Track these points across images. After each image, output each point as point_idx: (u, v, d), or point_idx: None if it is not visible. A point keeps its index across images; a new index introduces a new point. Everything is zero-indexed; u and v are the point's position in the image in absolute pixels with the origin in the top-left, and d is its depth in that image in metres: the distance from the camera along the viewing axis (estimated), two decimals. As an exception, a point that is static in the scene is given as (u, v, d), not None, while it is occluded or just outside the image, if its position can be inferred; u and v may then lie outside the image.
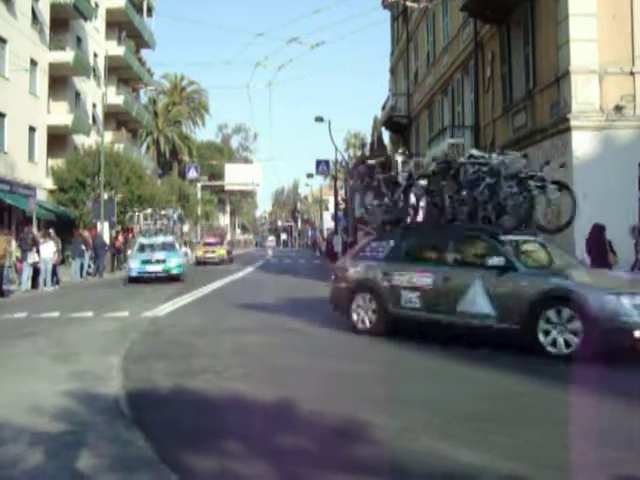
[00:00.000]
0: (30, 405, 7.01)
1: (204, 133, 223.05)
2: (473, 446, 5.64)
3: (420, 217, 12.98)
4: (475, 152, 12.65)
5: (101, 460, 5.32)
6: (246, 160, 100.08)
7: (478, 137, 23.25)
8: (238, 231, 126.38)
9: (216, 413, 7.02)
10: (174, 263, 26.81)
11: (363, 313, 12.37)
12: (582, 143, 16.09)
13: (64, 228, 35.20)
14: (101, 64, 46.57)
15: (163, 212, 35.86)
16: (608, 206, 15.40)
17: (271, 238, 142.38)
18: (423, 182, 12.95)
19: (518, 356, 10.14)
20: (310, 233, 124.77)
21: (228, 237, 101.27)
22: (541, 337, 9.65)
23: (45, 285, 23.07)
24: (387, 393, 7.88)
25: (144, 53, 60.56)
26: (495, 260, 10.37)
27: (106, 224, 34.91)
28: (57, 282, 24.10)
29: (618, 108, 16.28)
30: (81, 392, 7.65)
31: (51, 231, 25.97)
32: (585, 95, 16.23)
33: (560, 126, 16.56)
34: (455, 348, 10.94)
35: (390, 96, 40.54)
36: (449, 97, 27.52)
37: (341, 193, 65.77)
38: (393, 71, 42.87)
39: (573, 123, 16.12)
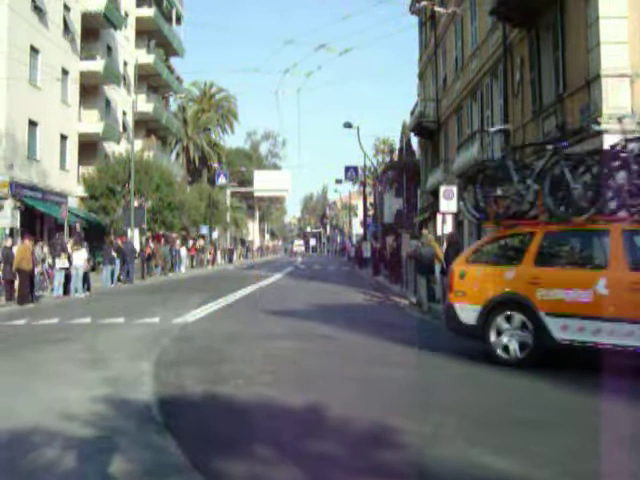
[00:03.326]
0: (62, 410, 7.08)
1: (233, 140, 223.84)
2: (506, 453, 5.60)
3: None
4: None
5: (134, 465, 5.36)
6: (275, 166, 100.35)
7: (508, 142, 23.09)
8: (267, 237, 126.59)
9: (247, 419, 7.03)
10: None
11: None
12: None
13: (95, 235, 35.58)
14: (131, 72, 47.08)
15: None
16: None
17: (299, 242, 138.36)
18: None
19: (551, 363, 10.04)
20: (339, 239, 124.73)
21: (257, 243, 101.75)
22: None
23: (76, 291, 23.29)
24: (418, 399, 7.86)
25: (173, 61, 61.11)
26: None
27: (136, 231, 35.16)
28: (88, 288, 24.31)
29: (650, 111, 16.09)
30: (113, 398, 7.71)
31: (77, 226, 26.07)
32: (616, 99, 16.05)
33: (591, 130, 16.40)
34: (483, 353, 10.87)
35: (419, 101, 40.46)
36: (478, 102, 27.39)
37: (370, 199, 65.78)
38: (421, 76, 42.78)
39: (604, 127, 15.96)
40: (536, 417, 6.97)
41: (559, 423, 6.72)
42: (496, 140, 23.86)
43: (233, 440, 6.13)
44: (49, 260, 23.65)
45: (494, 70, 24.84)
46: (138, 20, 50.96)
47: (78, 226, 26.86)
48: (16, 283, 20.53)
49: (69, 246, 23.76)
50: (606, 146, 15.84)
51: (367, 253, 46.19)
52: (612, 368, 9.03)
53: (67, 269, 23.05)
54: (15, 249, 20.65)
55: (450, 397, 7.96)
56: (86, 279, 24.25)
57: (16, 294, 20.31)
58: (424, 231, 21.78)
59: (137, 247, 33.63)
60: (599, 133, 16.04)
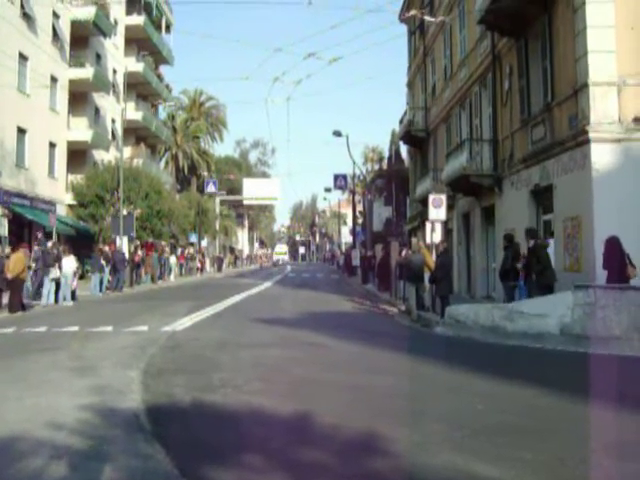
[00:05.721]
0: (50, 419, 7.03)
1: (222, 148, 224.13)
2: (495, 461, 5.61)
3: None
4: None
5: (122, 474, 5.33)
6: (264, 175, 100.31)
7: (496, 150, 23.19)
8: (256, 245, 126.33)
9: (236, 427, 7.01)
10: None
11: None
12: (601, 155, 15.98)
13: (84, 243, 35.44)
14: (120, 80, 46.95)
15: None
16: (628, 218, 15.28)
17: (281, 247, 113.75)
18: None
19: (538, 370, 10.08)
20: (328, 247, 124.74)
21: (246, 252, 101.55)
22: None
23: (65, 300, 23.19)
24: (407, 407, 7.87)
25: (163, 69, 61.09)
26: None
27: (125, 239, 35.05)
28: (74, 297, 24.17)
29: (637, 120, 16.17)
30: (101, 406, 7.67)
31: (49, 243, 26.03)
32: (604, 107, 16.13)
33: (579, 139, 16.46)
34: (474, 362, 10.91)
35: (408, 110, 40.53)
36: (467, 111, 27.47)
37: (359, 207, 65.83)
38: (410, 85, 42.89)
39: (592, 135, 16.01)
40: (524, 424, 6.99)
41: (546, 430, 6.74)
42: (485, 149, 23.94)
43: (222, 448, 6.11)
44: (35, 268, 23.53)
45: (483, 79, 24.94)
46: (127, 28, 50.90)
47: (40, 234, 26.77)
48: (5, 292, 20.43)
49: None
50: (594, 155, 15.98)
51: (356, 261, 46.23)
52: (597, 374, 9.09)
53: (58, 278, 22.97)
54: (12, 257, 20.39)
55: (439, 405, 7.97)
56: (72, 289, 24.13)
57: (5, 302, 20.21)
58: (413, 239, 21.83)
59: (126, 255, 33.47)
60: (587, 142, 16.12)
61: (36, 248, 23.89)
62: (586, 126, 16.06)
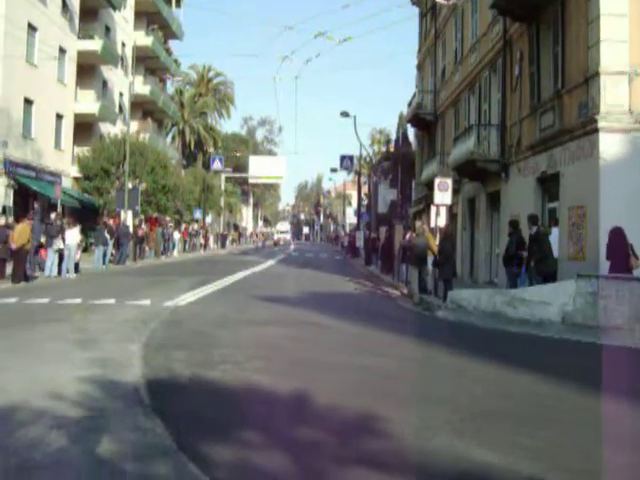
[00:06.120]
0: (50, 390, 7.07)
1: (229, 125, 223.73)
2: (493, 446, 5.62)
3: None
4: None
5: (120, 446, 5.36)
6: (270, 153, 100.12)
7: (504, 136, 23.10)
8: (260, 223, 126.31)
9: (235, 404, 7.04)
10: None
11: None
12: (609, 145, 15.91)
13: (88, 216, 35.48)
14: (129, 54, 46.79)
15: None
16: (634, 210, 15.24)
17: (283, 226, 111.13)
18: None
19: (538, 357, 10.10)
20: (332, 228, 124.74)
21: (250, 230, 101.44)
22: None
23: (68, 272, 23.25)
24: (408, 389, 7.90)
25: (172, 44, 60.80)
26: None
27: (130, 213, 35.08)
28: (77, 269, 24.21)
29: (647, 110, 16.09)
30: (101, 378, 7.70)
31: (52, 215, 26.01)
32: (614, 96, 16.04)
33: (588, 127, 16.38)
34: (475, 347, 10.93)
35: (416, 93, 40.35)
36: (476, 95, 27.33)
37: (364, 189, 65.72)
38: (420, 68, 42.67)
39: (601, 124, 15.93)
40: (522, 410, 7.01)
41: (544, 417, 6.76)
42: (493, 134, 23.85)
43: (220, 424, 6.14)
44: (42, 240, 23.55)
45: (493, 64, 24.79)
46: (137, 1, 50.65)
47: (37, 205, 26.74)
48: (8, 262, 20.48)
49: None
50: (602, 144, 15.91)
51: (360, 243, 46.25)
52: (597, 364, 9.11)
53: (61, 250, 23.00)
54: (17, 228, 20.40)
55: (439, 388, 7.98)
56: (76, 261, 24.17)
57: (9, 273, 20.27)
58: (417, 222, 21.80)
59: (130, 229, 33.51)
60: (595, 131, 16.04)
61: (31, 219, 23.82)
62: (596, 115, 15.97)
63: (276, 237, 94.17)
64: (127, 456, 5.16)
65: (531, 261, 15.72)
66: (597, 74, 16.05)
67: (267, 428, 6.11)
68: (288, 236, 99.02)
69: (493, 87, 25.06)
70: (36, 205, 26.59)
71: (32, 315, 13.41)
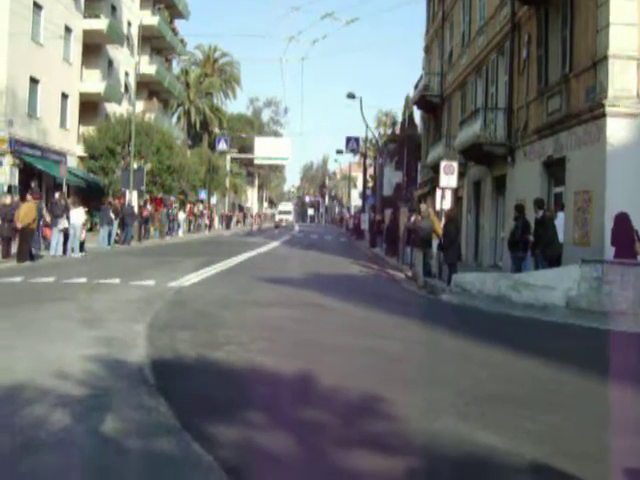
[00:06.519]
0: (56, 368, 7.09)
1: (235, 105, 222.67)
2: (497, 429, 5.64)
3: None
4: None
5: (125, 425, 5.39)
6: (276, 134, 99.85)
7: (511, 120, 23.01)
8: (265, 205, 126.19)
9: (239, 384, 7.07)
10: None
11: None
12: (617, 130, 15.83)
13: (93, 195, 35.50)
14: (135, 33, 46.60)
15: None
16: (640, 195, 15.20)
17: (285, 206, 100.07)
18: None
19: (542, 341, 10.11)
20: (337, 210, 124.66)
21: (255, 211, 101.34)
22: None
23: (73, 251, 23.29)
24: (412, 372, 7.92)
25: (178, 23, 60.49)
26: None
27: (135, 193, 35.09)
28: (82, 249, 24.24)
29: (656, 96, 15.99)
30: (106, 358, 7.73)
31: (56, 194, 26.00)
32: (622, 81, 15.94)
33: (595, 112, 16.30)
34: (479, 331, 10.95)
35: (423, 75, 40.19)
36: (483, 78, 27.20)
37: (370, 171, 65.64)
38: (427, 50, 42.46)
39: (608, 109, 15.85)
40: (525, 394, 7.03)
41: (547, 401, 6.78)
42: (500, 118, 23.75)
43: (224, 404, 6.16)
44: (47, 219, 23.58)
45: (501, 47, 24.64)
46: (144, -20, 50.43)
47: (34, 184, 26.69)
48: (13, 241, 20.53)
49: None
50: (610, 129, 15.83)
51: (365, 225, 46.25)
52: (601, 348, 9.12)
53: (66, 229, 23.04)
54: (22, 206, 20.40)
55: (442, 371, 8.01)
56: (81, 241, 24.19)
57: (14, 252, 20.32)
58: (422, 206, 21.77)
59: (135, 209, 33.51)
60: (603, 115, 15.96)
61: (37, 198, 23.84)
62: (603, 99, 15.89)
63: (278, 218, 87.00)
64: (131, 434, 5.19)
65: (537, 245, 15.70)
66: (605, 58, 15.95)
67: (271, 408, 6.14)
68: (291, 217, 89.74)
69: (500, 70, 24.94)
70: (33, 184, 26.55)
71: (37, 294, 13.45)
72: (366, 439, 5.33)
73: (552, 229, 15.55)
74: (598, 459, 5.08)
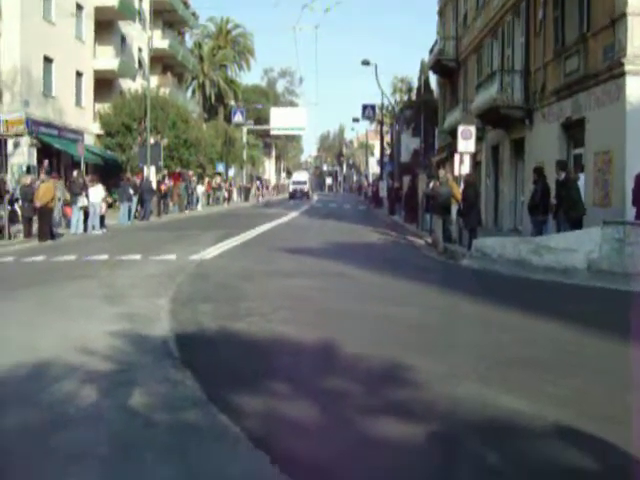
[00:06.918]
0: (81, 345, 7.18)
1: (249, 77, 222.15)
2: (520, 393, 5.66)
3: None
4: None
5: (152, 399, 5.46)
6: (292, 104, 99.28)
7: (528, 82, 22.76)
8: (283, 175, 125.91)
9: (262, 355, 7.12)
10: None
11: None
12: (636, 88, 15.61)
13: (111, 172, 35.61)
14: (146, 8, 46.44)
15: None
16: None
17: (300, 175, 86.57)
18: None
19: (564, 304, 10.08)
20: (355, 178, 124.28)
21: (273, 181, 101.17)
22: None
23: (93, 229, 23.44)
24: (432, 338, 7.95)
25: (189, -4, 60.11)
26: None
27: (153, 168, 35.15)
28: (102, 225, 24.39)
29: (675, 52, 15.72)
30: (130, 333, 7.81)
31: (74, 172, 26.07)
32: (641, 38, 15.69)
33: (614, 71, 16.07)
34: (500, 295, 10.93)
35: (438, 39, 39.75)
36: (499, 40, 26.87)
37: (387, 138, 65.24)
38: (441, 13, 41.98)
39: (628, 68, 15.62)
40: (547, 358, 7.02)
41: (569, 364, 6.77)
42: (516, 80, 23.49)
43: (248, 376, 6.22)
44: (66, 197, 23.72)
45: (516, 8, 24.30)
46: (154, -46, 50.01)
47: (46, 162, 26.81)
48: (34, 220, 20.69)
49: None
50: (629, 88, 15.61)
51: (383, 192, 46.11)
52: (623, 310, 9.07)
53: (85, 207, 23.18)
54: (40, 186, 20.54)
55: (464, 337, 8.02)
56: (102, 216, 24.34)
57: (35, 231, 20.49)
58: (441, 171, 21.64)
59: (154, 184, 33.61)
60: (622, 74, 15.74)
61: (55, 177, 23.92)
62: (622, 58, 15.66)
63: (292, 189, 77.80)
64: (158, 408, 5.27)
65: (560, 207, 15.51)
66: (624, 15, 15.69)
67: (294, 378, 6.19)
68: (306, 187, 77.93)
69: (516, 32, 24.62)
70: (45, 162, 26.72)
71: (59, 272, 13.58)
72: (390, 406, 5.37)
73: (576, 191, 15.36)
74: (621, 421, 5.08)
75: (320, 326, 8.44)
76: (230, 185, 57.24)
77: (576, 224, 15.05)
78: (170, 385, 5.84)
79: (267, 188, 78.20)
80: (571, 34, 19.02)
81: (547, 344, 7.63)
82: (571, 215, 15.15)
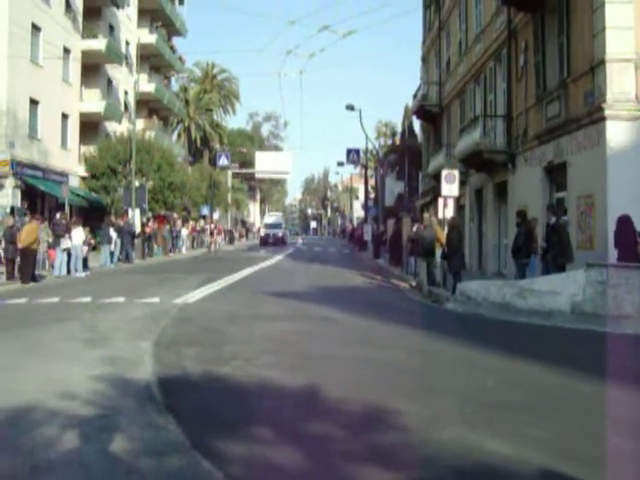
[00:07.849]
0: (62, 389, 7.10)
1: (235, 121, 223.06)
2: (505, 437, 5.64)
3: None
4: None
5: (134, 444, 5.39)
6: (276, 148, 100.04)
7: (510, 126, 23.04)
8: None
9: (246, 399, 7.06)
10: None
11: None
12: (616, 133, 15.85)
13: (96, 215, 35.55)
14: (133, 52, 46.81)
15: None
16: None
17: (272, 216, 70.75)
18: None
19: (548, 347, 10.09)
20: (340, 221, 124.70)
21: (257, 225, 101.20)
22: None
23: (76, 271, 23.32)
24: (417, 382, 7.91)
25: (175, 41, 60.76)
26: None
27: (137, 211, 35.14)
28: (86, 266, 24.26)
29: (654, 98, 16.00)
30: (113, 377, 7.74)
31: (58, 215, 26.07)
32: (620, 84, 15.96)
33: (594, 116, 16.32)
34: (485, 339, 10.93)
35: (422, 84, 40.27)
36: (481, 86, 27.26)
37: (371, 182, 65.69)
38: (425, 59, 42.60)
39: (608, 113, 15.87)
40: (531, 401, 7.02)
41: (553, 407, 6.78)
42: (499, 125, 23.78)
43: (232, 420, 6.16)
44: (50, 240, 23.62)
45: (498, 54, 24.72)
46: (141, -1, 50.65)
47: (25, 205, 26.84)
48: (17, 262, 20.55)
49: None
50: (609, 132, 15.84)
51: (368, 236, 46.25)
52: (607, 353, 9.09)
53: (69, 249, 23.08)
54: (25, 227, 20.45)
55: (448, 380, 8.00)
56: (84, 259, 24.24)
57: (17, 273, 20.35)
58: (425, 215, 21.78)
59: (138, 227, 33.55)
60: (602, 119, 15.98)
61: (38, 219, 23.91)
62: (602, 103, 15.92)
63: (263, 232, 62.89)
64: (140, 453, 5.20)
65: (549, 252, 15.46)
66: (603, 62, 15.99)
67: (279, 423, 6.14)
68: (280, 232, 62.33)
69: (498, 77, 25.00)
70: (25, 205, 26.78)
71: (42, 315, 13.46)
72: (374, 451, 5.33)
73: (566, 236, 15.34)
74: (602, 463, 5.07)
75: (305, 370, 8.39)
76: (215, 228, 57.09)
77: (562, 269, 15.10)
78: (153, 430, 5.77)
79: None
80: (552, 80, 19.34)
81: (530, 387, 7.62)
82: (559, 261, 15.17)
